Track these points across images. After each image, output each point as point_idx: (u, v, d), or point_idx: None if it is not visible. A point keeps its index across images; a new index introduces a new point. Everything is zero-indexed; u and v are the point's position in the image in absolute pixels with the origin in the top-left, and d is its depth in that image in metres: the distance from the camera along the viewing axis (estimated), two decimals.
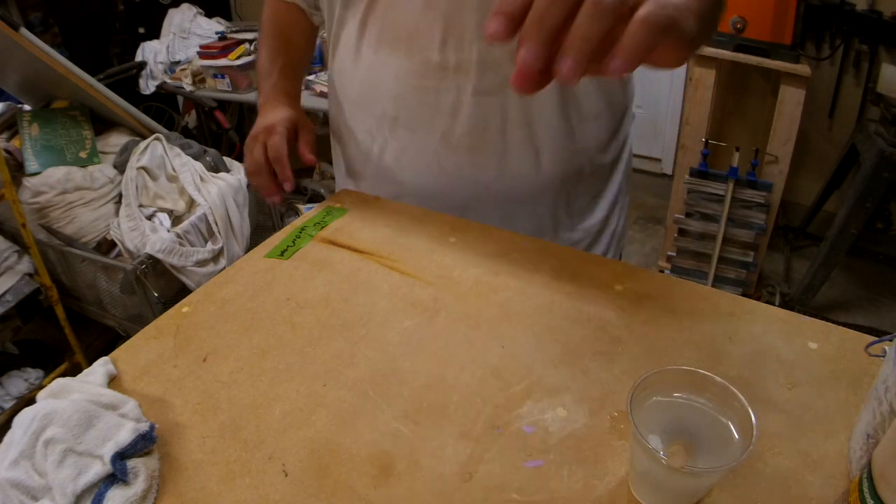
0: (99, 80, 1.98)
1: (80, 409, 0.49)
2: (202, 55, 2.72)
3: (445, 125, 0.85)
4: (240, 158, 2.59)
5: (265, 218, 2.09)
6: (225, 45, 2.73)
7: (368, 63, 0.87)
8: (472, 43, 0.79)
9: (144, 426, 0.50)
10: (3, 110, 2.06)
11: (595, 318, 0.64)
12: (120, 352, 0.63)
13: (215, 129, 2.95)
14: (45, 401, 0.53)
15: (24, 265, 1.75)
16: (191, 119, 3.10)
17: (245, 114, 3.18)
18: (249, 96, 2.72)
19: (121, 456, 0.47)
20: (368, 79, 0.89)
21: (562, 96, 0.84)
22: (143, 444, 0.48)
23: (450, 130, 0.85)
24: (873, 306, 2.39)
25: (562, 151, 0.88)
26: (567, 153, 0.88)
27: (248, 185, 1.95)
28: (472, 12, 0.78)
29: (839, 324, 0.61)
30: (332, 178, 0.90)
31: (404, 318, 0.66)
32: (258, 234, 2.00)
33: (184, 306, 0.70)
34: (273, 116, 0.91)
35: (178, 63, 2.95)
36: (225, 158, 2.02)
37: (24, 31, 1.70)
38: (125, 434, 0.48)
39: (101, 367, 0.59)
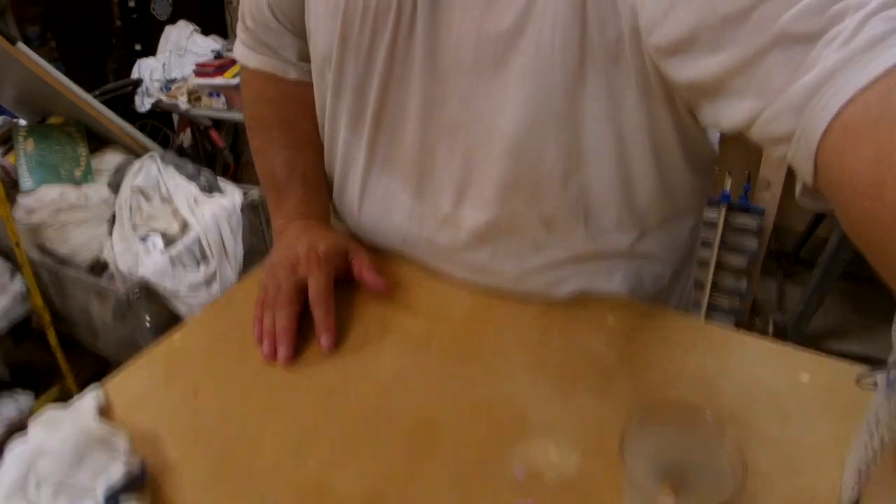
0: (95, 97, 1.98)
1: (70, 444, 0.49)
2: (198, 73, 2.72)
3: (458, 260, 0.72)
4: (234, 178, 2.60)
5: (258, 241, 2.08)
6: (221, 64, 2.73)
7: (378, 195, 0.73)
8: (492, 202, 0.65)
9: (135, 464, 0.49)
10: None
11: (587, 351, 0.64)
12: (111, 382, 0.63)
13: (209, 149, 2.95)
14: (35, 434, 0.52)
15: (17, 285, 1.74)
16: (186, 138, 3.10)
17: (239, 133, 3.18)
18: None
19: (112, 493, 0.47)
20: (372, 214, 0.75)
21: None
22: (133, 483, 0.48)
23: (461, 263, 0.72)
24: (867, 332, 2.39)
25: None
26: None
27: (242, 209, 1.95)
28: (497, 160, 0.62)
29: (833, 351, 0.61)
30: None
31: (397, 352, 0.65)
32: (251, 256, 1.99)
33: (175, 336, 0.69)
34: (311, 240, 0.71)
35: (174, 81, 2.95)
36: (219, 179, 2.02)
37: (21, 45, 1.70)
38: (116, 472, 0.48)
39: (91, 399, 0.59)
